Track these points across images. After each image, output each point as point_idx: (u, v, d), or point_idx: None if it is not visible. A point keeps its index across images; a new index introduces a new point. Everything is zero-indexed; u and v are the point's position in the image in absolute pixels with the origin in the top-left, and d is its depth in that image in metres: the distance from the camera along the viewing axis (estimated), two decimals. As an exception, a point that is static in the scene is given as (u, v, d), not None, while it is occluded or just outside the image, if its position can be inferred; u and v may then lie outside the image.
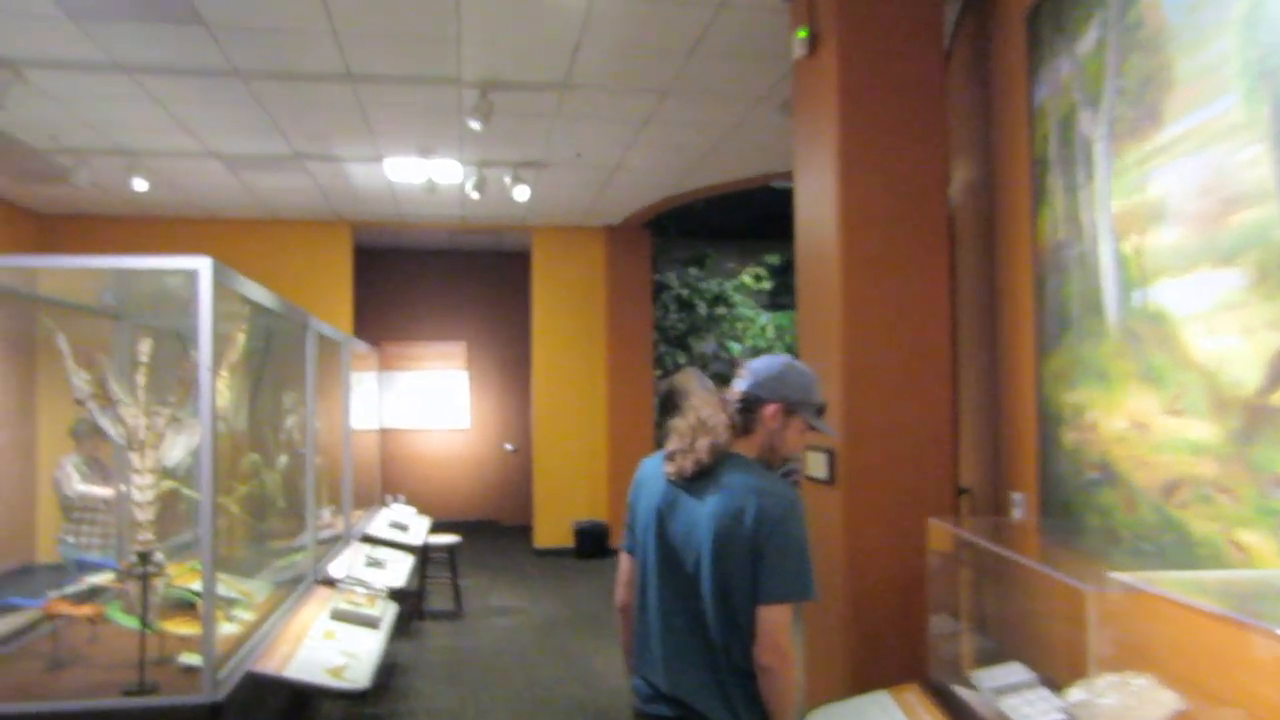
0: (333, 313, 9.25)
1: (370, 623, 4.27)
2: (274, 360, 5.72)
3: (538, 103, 5.91)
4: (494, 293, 12.02)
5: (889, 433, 3.60)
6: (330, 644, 3.84)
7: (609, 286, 10.27)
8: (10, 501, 8.03)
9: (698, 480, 2.14)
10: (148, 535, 3.20)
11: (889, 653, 3.51)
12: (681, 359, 11.01)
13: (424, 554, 7.39)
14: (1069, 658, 2.45)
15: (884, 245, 3.64)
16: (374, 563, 5.65)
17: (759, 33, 4.77)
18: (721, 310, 11.22)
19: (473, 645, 6.62)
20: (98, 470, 5.45)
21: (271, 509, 5.73)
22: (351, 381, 6.47)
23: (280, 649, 3.55)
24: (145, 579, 3.05)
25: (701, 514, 2.10)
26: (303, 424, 5.27)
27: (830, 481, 3.68)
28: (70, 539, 5.50)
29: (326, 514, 6.00)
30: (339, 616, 4.19)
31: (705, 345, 11.26)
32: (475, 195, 7.54)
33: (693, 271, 11.24)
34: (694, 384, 10.90)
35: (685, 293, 11.06)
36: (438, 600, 7.80)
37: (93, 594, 3.91)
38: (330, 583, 4.78)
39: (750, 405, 2.19)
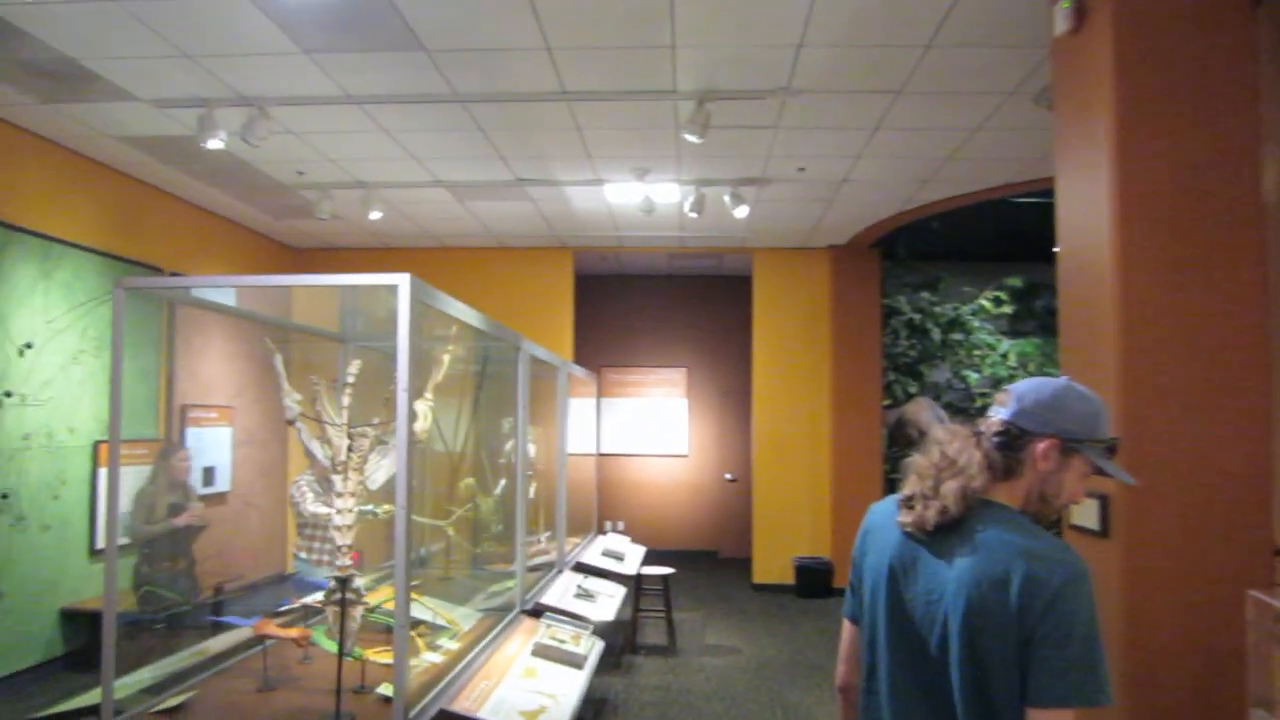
0: (555, 339, 9.36)
1: (574, 661, 4.04)
2: (491, 384, 5.71)
3: (757, 112, 5.58)
4: (714, 318, 11.84)
5: (1181, 475, 2.96)
6: (530, 683, 3.64)
7: (834, 310, 9.74)
8: (266, 515, 8.65)
9: (943, 535, 1.67)
10: (346, 560, 3.11)
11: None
12: (913, 388, 10.27)
13: (637, 584, 7.18)
14: None
15: (1173, 248, 3.01)
16: (584, 594, 5.46)
17: (1009, 14, 4.20)
18: (957, 336, 10.39)
19: (684, 685, 6.29)
20: (328, 489, 5.61)
21: (485, 534, 5.70)
22: (570, 407, 6.38)
23: (479, 685, 3.38)
24: (343, 606, 2.95)
25: (948, 579, 1.63)
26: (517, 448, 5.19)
27: (1103, 533, 3.06)
28: (303, 555, 5.69)
29: (543, 540, 5.91)
30: (541, 653, 3.99)
31: (938, 374, 10.47)
32: (693, 215, 7.30)
33: (925, 295, 10.48)
34: (926, 414, 10.04)
35: (917, 317, 10.32)
36: (651, 634, 7.54)
37: (308, 614, 3.93)
38: (538, 613, 4.62)
39: (1014, 440, 1.70)
